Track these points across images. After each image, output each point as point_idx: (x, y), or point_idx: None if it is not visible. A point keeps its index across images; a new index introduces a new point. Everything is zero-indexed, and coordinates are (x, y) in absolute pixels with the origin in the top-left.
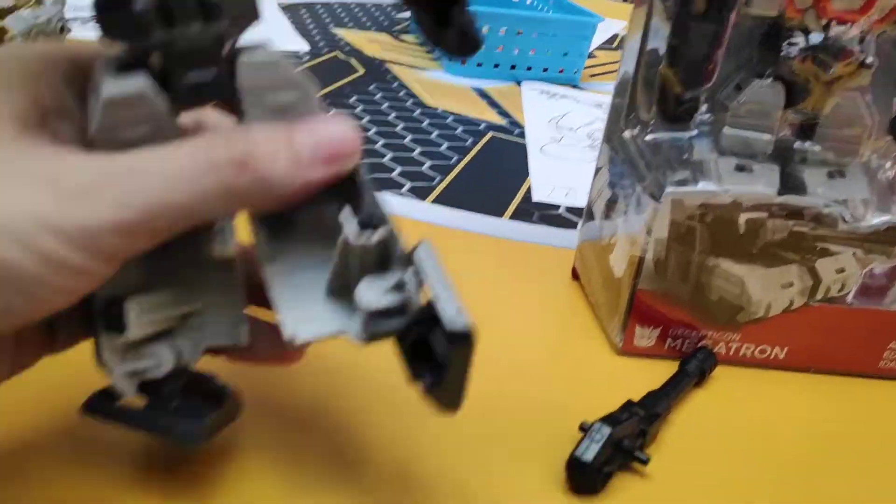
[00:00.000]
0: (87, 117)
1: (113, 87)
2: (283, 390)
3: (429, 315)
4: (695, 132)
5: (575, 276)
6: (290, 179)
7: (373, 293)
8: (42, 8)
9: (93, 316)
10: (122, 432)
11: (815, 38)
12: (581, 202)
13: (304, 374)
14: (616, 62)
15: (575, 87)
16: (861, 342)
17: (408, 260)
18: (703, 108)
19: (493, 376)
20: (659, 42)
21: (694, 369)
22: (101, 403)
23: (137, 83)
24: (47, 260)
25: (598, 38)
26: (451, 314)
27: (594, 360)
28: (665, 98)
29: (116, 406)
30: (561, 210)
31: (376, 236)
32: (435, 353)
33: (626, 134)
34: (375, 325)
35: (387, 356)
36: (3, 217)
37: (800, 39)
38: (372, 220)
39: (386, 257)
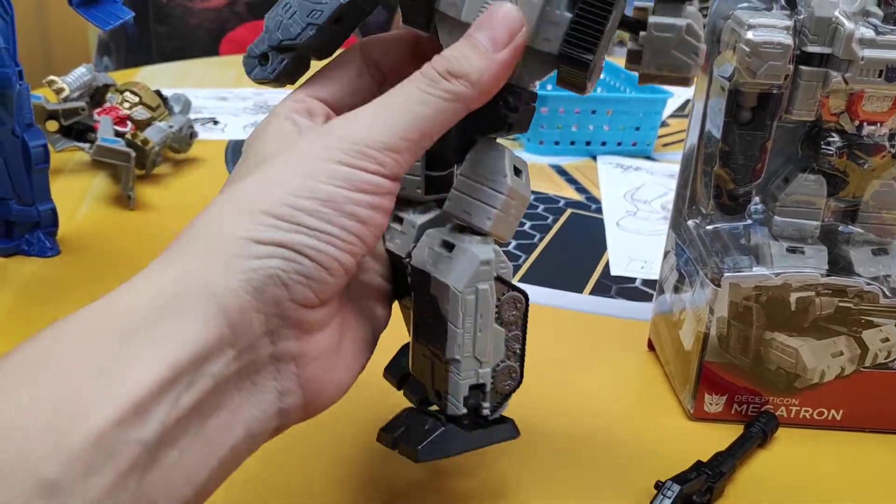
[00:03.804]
0: None
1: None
2: None
3: None
4: (750, 221)
5: (651, 346)
6: (488, 69)
7: None
8: (173, 118)
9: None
10: None
11: (850, 136)
12: (655, 274)
13: None
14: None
15: (648, 158)
16: None
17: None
18: (756, 198)
19: (576, 438)
20: (717, 121)
21: (757, 431)
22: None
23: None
24: (342, 175)
25: (671, 105)
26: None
27: (669, 424)
28: (720, 193)
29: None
30: (637, 283)
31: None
32: None
33: (690, 223)
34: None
35: None
36: (304, 164)
37: (836, 138)
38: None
39: None
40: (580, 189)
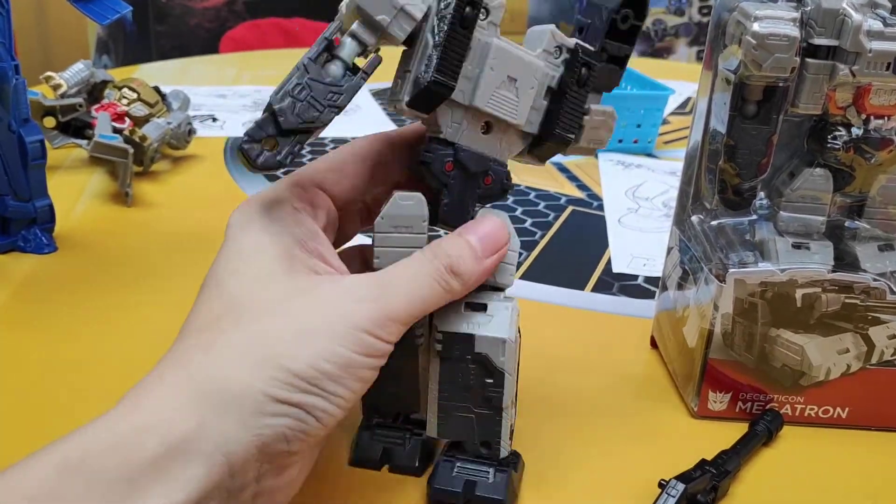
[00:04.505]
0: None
1: (400, 198)
2: None
3: None
4: (755, 216)
5: (653, 344)
6: (476, 271)
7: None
8: (171, 115)
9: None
10: None
11: (857, 130)
12: (657, 271)
13: None
14: (689, 127)
15: (650, 155)
16: None
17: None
18: (761, 194)
19: (579, 436)
20: (721, 116)
21: (762, 430)
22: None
23: (422, 197)
24: (363, 343)
25: (672, 103)
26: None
27: (672, 422)
28: (725, 188)
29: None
30: (639, 280)
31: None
32: None
33: (694, 219)
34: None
35: None
36: (329, 325)
37: (843, 132)
38: None
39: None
40: (581, 186)
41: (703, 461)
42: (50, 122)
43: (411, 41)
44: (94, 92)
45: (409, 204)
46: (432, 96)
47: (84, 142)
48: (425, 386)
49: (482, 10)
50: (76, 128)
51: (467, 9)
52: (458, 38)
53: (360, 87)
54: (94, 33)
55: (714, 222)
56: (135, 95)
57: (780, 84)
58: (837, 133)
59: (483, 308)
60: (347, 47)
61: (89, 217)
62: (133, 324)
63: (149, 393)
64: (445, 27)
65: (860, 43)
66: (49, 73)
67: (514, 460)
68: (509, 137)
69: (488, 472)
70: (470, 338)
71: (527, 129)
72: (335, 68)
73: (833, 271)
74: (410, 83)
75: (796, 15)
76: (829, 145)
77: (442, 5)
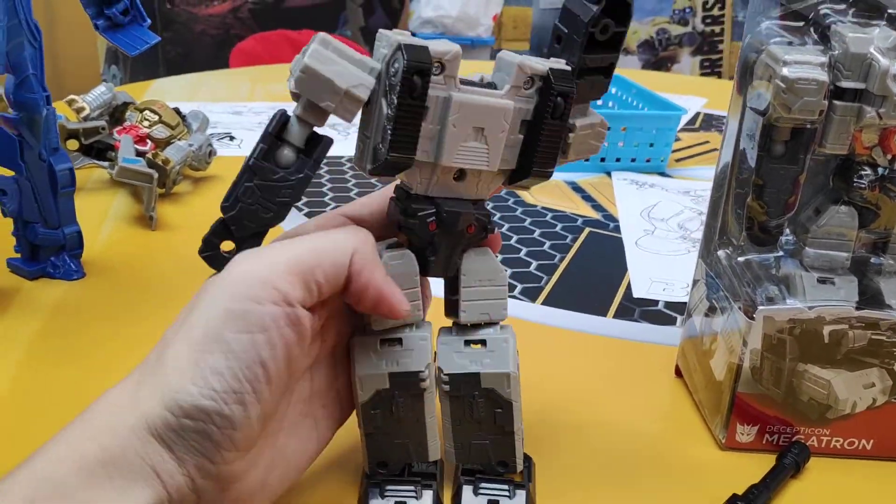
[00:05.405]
0: None
1: (390, 257)
2: None
3: None
4: (780, 252)
5: (678, 373)
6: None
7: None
8: (192, 136)
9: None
10: None
11: (882, 169)
12: (677, 297)
13: None
14: (700, 143)
15: (662, 174)
16: None
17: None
18: (787, 230)
19: (606, 469)
20: (750, 154)
21: (790, 462)
22: None
23: (410, 253)
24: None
25: (682, 120)
26: None
27: (700, 454)
28: (752, 225)
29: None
30: (660, 305)
31: None
32: None
33: (721, 254)
34: None
35: None
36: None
37: (869, 171)
38: None
39: None
40: (596, 206)
41: (735, 496)
42: (73, 144)
43: (368, 100)
44: (116, 114)
45: (398, 263)
46: (393, 168)
47: (106, 163)
48: (433, 428)
49: (436, 66)
50: (98, 150)
51: (415, 78)
52: (410, 110)
53: (310, 180)
54: (103, 43)
55: (741, 258)
56: (156, 118)
57: (808, 125)
58: (864, 172)
59: (483, 343)
60: (296, 131)
61: (114, 241)
62: None
63: (98, 414)
64: (395, 99)
65: (887, 87)
66: (72, 97)
67: (527, 464)
68: (486, 178)
69: (508, 490)
70: (475, 376)
71: (503, 167)
72: (287, 153)
73: (859, 307)
74: (371, 151)
75: (824, 59)
76: (855, 184)
77: (391, 71)
